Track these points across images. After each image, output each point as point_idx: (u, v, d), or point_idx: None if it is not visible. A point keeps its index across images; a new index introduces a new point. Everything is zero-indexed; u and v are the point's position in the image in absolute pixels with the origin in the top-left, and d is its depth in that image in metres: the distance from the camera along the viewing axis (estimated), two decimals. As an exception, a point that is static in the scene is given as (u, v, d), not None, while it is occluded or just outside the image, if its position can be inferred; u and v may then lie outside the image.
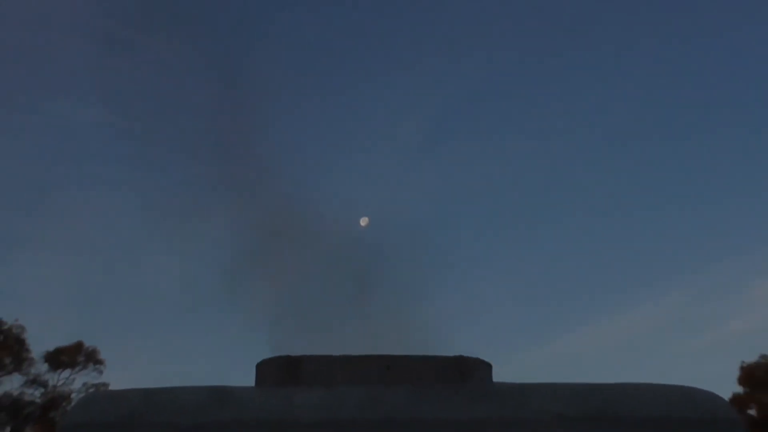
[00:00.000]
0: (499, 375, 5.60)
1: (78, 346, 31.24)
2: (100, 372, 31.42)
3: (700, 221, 56.02)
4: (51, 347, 30.96)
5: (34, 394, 30.36)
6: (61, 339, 34.20)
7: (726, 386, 31.90)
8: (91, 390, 29.84)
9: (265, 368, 5.52)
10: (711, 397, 5.09)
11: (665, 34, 53.91)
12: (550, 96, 56.67)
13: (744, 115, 55.85)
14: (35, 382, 30.42)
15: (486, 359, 5.57)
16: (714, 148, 56.40)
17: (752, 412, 30.30)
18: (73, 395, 30.46)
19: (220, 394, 4.84)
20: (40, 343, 36.80)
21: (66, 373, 31.02)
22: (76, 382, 31.03)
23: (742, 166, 56.53)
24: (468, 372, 5.28)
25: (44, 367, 30.70)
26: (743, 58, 54.24)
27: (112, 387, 30.53)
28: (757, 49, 53.72)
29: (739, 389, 31.24)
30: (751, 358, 31.68)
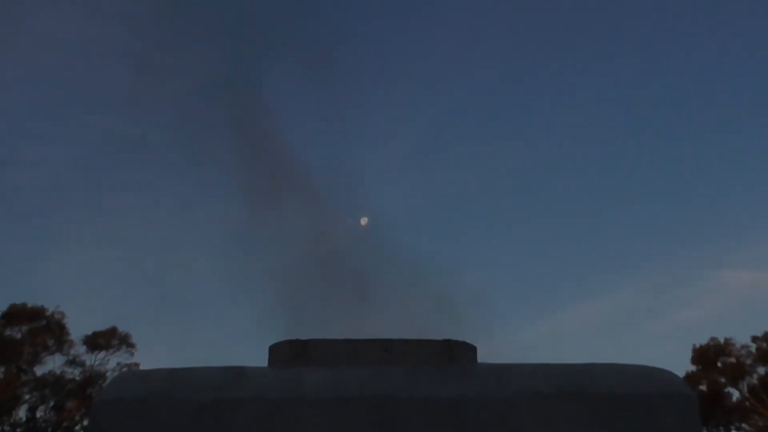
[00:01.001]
0: (483, 357, 5.59)
1: (112, 331, 31.19)
2: (132, 354, 31.41)
3: (661, 219, 56.20)
4: (89, 331, 30.95)
5: (74, 373, 30.34)
6: (98, 324, 34.17)
7: (681, 365, 32.01)
8: (123, 369, 29.78)
9: (276, 350, 5.49)
10: (668, 375, 5.07)
11: (627, 55, 53.97)
12: (532, 108, 56.79)
13: (703, 121, 56.05)
14: (75, 362, 30.39)
15: (472, 343, 5.55)
16: (673, 153, 56.57)
17: (703, 387, 30.36)
18: (107, 374, 30.42)
19: (237, 373, 4.81)
20: (79, 327, 36.73)
21: (102, 354, 31.00)
22: (110, 362, 31.04)
23: (698, 169, 56.69)
24: (456, 354, 5.25)
25: (83, 348, 30.70)
26: (705, 67, 54.36)
27: (142, 367, 30.49)
28: (721, 57, 53.78)
29: (692, 368, 31.33)
30: (703, 340, 31.81)
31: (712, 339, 31.36)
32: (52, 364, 29.89)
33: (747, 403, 29.91)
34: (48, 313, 29.82)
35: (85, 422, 28.17)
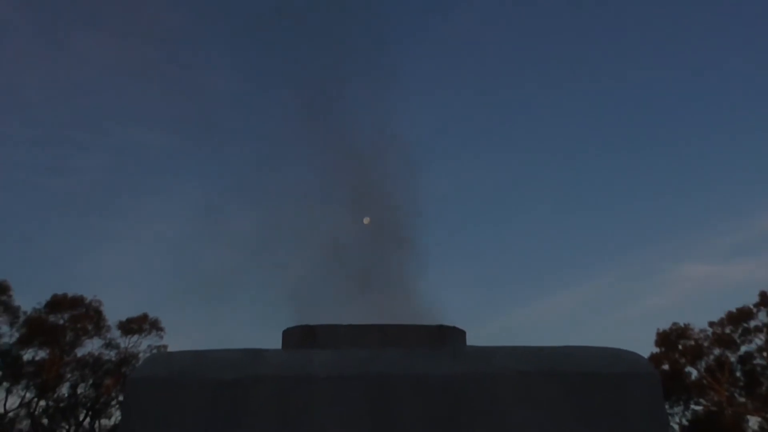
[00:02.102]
0: (472, 340, 5.58)
1: (144, 317, 31.14)
2: (161, 337, 31.31)
3: (630, 218, 56.23)
4: (123, 317, 30.91)
5: (110, 354, 30.28)
6: (131, 311, 34.14)
7: (646, 347, 32.01)
8: (153, 351, 29.75)
9: (289, 334, 5.49)
10: (634, 356, 5.07)
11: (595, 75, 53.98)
12: (511, 122, 56.81)
13: (666, 123, 56.04)
14: (111, 344, 30.34)
15: (461, 327, 5.55)
16: (637, 161, 56.58)
17: (666, 367, 30.36)
18: (140, 355, 30.38)
19: (254, 355, 4.80)
20: (114, 314, 36.67)
21: (134, 338, 30.92)
22: (142, 344, 30.92)
23: (664, 173, 56.72)
24: (447, 337, 5.25)
25: (117, 333, 30.62)
26: (670, 73, 54.35)
27: (170, 349, 30.46)
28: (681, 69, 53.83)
29: (656, 350, 31.31)
30: (665, 325, 31.78)
31: (674, 324, 31.36)
32: (90, 346, 29.90)
33: (704, 381, 29.93)
34: (87, 302, 29.80)
35: (121, 398, 28.17)
